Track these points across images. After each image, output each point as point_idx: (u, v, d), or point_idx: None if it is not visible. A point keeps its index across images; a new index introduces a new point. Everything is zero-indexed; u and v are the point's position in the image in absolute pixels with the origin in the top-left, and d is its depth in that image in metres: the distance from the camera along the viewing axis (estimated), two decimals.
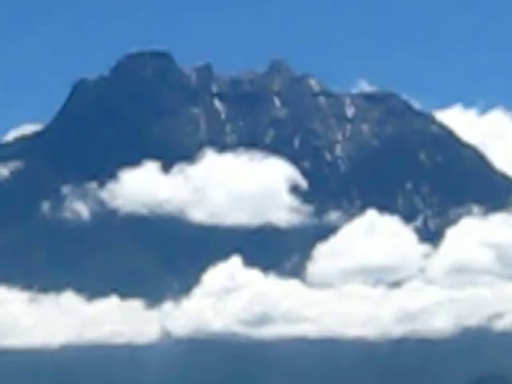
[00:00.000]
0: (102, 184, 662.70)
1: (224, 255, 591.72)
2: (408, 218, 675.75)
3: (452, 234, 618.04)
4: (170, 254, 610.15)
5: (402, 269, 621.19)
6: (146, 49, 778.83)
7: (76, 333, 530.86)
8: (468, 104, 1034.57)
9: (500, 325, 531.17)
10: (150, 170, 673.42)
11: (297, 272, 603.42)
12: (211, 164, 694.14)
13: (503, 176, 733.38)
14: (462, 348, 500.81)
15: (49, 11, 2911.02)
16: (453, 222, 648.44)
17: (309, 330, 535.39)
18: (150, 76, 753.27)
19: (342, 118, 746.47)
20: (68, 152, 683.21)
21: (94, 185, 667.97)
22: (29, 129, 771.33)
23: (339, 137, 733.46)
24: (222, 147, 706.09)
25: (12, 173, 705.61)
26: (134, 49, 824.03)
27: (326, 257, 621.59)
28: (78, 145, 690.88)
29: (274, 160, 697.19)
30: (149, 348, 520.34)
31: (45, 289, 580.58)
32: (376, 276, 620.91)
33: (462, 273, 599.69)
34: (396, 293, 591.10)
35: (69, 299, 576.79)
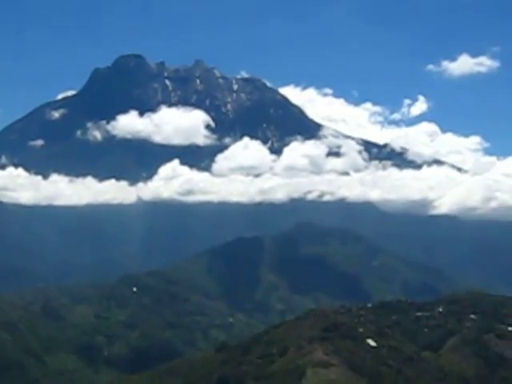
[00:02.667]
0: (107, 122, 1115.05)
1: (169, 159, 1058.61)
2: (264, 141, 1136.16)
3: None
4: (146, 161, 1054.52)
5: (259, 167, 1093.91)
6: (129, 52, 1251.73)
7: (93, 198, 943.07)
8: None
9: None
10: (132, 115, 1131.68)
11: (208, 168, 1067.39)
12: (165, 114, 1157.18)
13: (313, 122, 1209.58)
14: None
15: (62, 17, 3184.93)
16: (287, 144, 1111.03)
17: (213, 198, 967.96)
18: (131, 68, 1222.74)
19: (231, 90, 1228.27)
20: (90, 105, 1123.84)
21: (103, 122, 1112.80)
22: (69, 93, 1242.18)
23: (229, 99, 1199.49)
24: (171, 104, 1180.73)
25: (60, 115, 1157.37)
26: (126, 51, 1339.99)
27: (222, 160, 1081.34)
28: (94, 102, 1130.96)
29: (198, 112, 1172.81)
30: (131, 206, 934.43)
31: (75, 176, 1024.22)
32: (247, 171, 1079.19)
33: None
34: (256, 179, 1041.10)
35: (89, 182, 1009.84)
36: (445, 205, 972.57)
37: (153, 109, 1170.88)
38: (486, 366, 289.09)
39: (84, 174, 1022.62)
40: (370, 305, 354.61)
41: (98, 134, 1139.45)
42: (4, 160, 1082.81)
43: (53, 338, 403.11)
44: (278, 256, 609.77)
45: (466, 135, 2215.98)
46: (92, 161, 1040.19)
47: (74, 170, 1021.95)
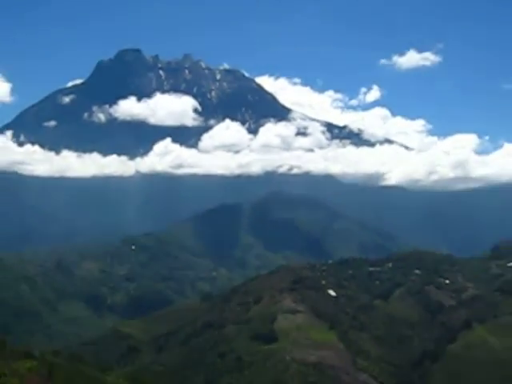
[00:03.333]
0: (110, 106, 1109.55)
1: (162, 138, 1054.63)
2: (242, 123, 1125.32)
3: None
4: (143, 140, 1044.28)
5: (238, 145, 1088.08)
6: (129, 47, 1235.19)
7: (98, 171, 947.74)
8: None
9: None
10: (131, 100, 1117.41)
11: (195, 145, 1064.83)
12: (159, 99, 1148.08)
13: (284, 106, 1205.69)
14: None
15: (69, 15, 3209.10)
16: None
17: (199, 171, 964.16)
18: (130, 60, 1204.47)
19: (214, 80, 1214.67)
20: (96, 91, 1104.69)
21: (107, 106, 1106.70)
22: (77, 81, 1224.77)
23: (213, 87, 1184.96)
24: (164, 91, 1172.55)
25: (70, 100, 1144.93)
26: (126, 46, 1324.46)
27: (207, 139, 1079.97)
28: (99, 89, 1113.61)
29: (187, 97, 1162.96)
30: (130, 178, 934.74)
31: (82, 152, 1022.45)
32: (228, 148, 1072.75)
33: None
34: (236, 155, 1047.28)
35: (95, 157, 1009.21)
36: (394, 177, 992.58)
37: (148, 95, 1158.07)
38: (427, 312, 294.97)
39: (90, 150, 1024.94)
40: (330, 261, 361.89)
41: (102, 116, 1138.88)
42: (22, 138, 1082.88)
43: (64, 290, 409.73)
44: (254, 220, 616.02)
45: (413, 118, 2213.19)
46: (97, 139, 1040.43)
47: (82, 146, 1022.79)
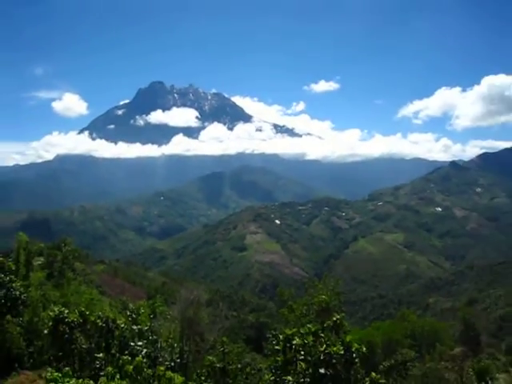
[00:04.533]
0: (146, 115, 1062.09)
1: (177, 133, 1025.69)
2: (224, 124, 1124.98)
3: None
4: (166, 135, 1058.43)
5: (222, 137, 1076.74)
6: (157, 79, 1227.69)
7: (140, 154, 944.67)
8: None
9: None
10: (158, 112, 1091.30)
11: (196, 137, 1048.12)
12: (175, 111, 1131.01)
13: (248, 114, 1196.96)
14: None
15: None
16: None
17: (199, 153, 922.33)
18: (157, 88, 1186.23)
19: (207, 99, 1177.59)
20: (137, 107, 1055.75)
21: (144, 115, 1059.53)
22: (126, 100, 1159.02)
23: (206, 103, 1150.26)
24: (178, 106, 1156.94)
25: (122, 112, 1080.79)
26: (155, 78, 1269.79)
27: (204, 134, 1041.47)
28: (139, 105, 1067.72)
29: (191, 110, 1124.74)
30: (159, 158, 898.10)
31: (130, 143, 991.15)
32: (216, 139, 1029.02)
33: None
34: (220, 143, 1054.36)
35: (137, 146, 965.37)
36: (313, 155, 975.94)
37: (168, 108, 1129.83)
38: (331, 232, 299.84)
39: (134, 142, 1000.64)
40: (277, 204, 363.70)
41: (141, 122, 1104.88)
42: (94, 135, 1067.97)
43: (122, 223, 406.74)
44: (232, 181, 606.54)
45: (323, 120, 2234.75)
46: (138, 135, 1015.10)
47: (130, 140, 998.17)
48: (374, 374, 10.11)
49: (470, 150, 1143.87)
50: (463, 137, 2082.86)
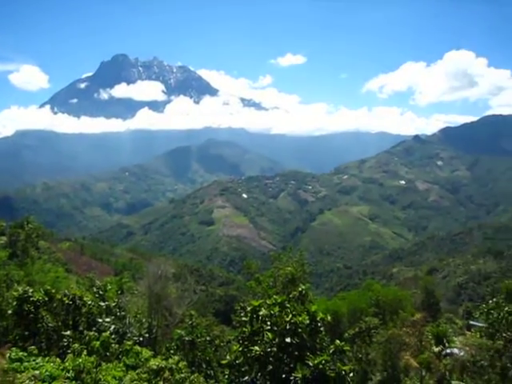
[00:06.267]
0: (110, 89, 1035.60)
1: (142, 107, 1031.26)
2: (190, 97, 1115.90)
3: None
4: (130, 109, 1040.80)
5: (188, 111, 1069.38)
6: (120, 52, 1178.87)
7: (104, 129, 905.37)
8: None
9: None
10: (122, 85, 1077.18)
11: (162, 111, 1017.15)
12: (140, 84, 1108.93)
13: (215, 88, 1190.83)
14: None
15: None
16: None
17: (164, 127, 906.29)
18: (120, 61, 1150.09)
19: (172, 72, 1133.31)
20: (100, 80, 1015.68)
21: (108, 89, 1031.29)
22: (89, 73, 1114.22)
23: (172, 76, 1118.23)
24: (143, 79, 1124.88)
25: (85, 86, 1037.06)
26: (119, 51, 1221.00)
27: (170, 108, 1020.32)
28: (102, 78, 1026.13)
29: (157, 83, 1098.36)
30: (124, 132, 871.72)
31: (93, 117, 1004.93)
32: (181, 113, 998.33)
33: None
34: (187, 117, 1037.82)
35: (101, 120, 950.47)
36: (280, 128, 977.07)
37: (133, 82, 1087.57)
38: (298, 205, 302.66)
39: (98, 116, 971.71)
40: (244, 177, 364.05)
41: (105, 95, 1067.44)
42: (56, 110, 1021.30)
43: (87, 200, 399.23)
44: (199, 155, 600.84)
45: (290, 94, 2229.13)
46: (102, 109, 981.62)
47: (93, 114, 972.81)
48: (338, 341, 10.42)
49: (434, 124, 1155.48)
50: (427, 111, 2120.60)
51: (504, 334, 25.18)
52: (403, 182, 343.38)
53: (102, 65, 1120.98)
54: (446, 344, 23.99)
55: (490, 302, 28.46)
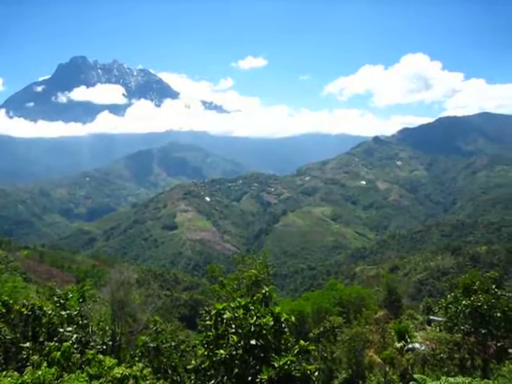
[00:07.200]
0: (68, 92, 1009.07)
1: (102, 110, 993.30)
2: (151, 101, 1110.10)
3: None
4: (90, 112, 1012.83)
5: (149, 115, 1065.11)
6: (79, 54, 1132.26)
7: (63, 133, 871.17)
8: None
9: None
10: (81, 88, 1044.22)
11: (123, 115, 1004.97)
12: (100, 88, 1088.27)
13: (175, 90, 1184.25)
14: None
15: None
16: None
17: (126, 131, 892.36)
18: (79, 63, 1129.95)
19: (133, 75, 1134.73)
20: (58, 83, 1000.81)
21: (66, 92, 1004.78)
22: (46, 76, 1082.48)
23: (132, 79, 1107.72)
24: (102, 82, 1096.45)
25: (41, 89, 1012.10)
26: (78, 53, 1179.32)
27: (130, 111, 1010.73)
28: (60, 81, 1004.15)
29: (118, 86, 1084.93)
30: (83, 136, 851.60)
31: (51, 121, 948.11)
32: (142, 116, 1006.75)
33: None
34: (146, 121, 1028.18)
35: (59, 124, 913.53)
36: (241, 131, 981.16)
37: (93, 85, 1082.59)
38: (261, 207, 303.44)
39: (56, 120, 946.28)
40: (206, 181, 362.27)
41: (63, 99, 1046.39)
42: (11, 114, 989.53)
43: (46, 207, 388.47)
44: (161, 159, 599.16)
45: (252, 96, 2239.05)
46: (61, 113, 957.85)
47: (51, 118, 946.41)
48: (302, 341, 10.54)
49: (393, 126, 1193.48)
50: (386, 113, 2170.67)
51: (462, 327, 26.20)
52: (364, 183, 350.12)
53: (60, 67, 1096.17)
54: (408, 339, 24.69)
55: (448, 296, 29.49)
